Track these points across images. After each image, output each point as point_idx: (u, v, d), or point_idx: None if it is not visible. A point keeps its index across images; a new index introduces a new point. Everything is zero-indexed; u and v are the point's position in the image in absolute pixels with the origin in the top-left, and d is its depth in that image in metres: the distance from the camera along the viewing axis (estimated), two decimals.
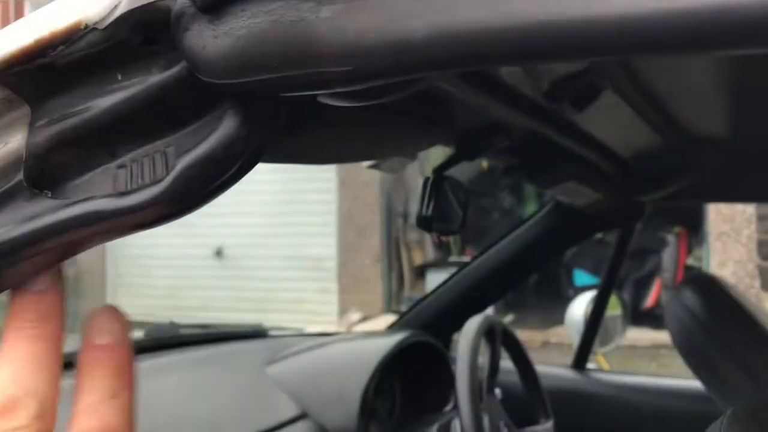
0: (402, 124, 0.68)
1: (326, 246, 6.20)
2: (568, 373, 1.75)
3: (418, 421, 1.45)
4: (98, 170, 0.31)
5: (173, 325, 1.53)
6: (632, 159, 1.30)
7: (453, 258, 6.13)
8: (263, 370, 1.42)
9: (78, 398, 0.29)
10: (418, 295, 5.91)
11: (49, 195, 0.31)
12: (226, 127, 0.29)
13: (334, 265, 6.16)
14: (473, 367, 1.27)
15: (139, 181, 0.30)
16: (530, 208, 6.12)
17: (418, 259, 6.20)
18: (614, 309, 1.89)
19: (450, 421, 1.41)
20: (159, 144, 0.30)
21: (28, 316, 0.30)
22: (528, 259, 1.67)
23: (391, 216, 6.23)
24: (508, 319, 5.81)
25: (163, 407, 1.20)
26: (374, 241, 6.08)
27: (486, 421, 1.31)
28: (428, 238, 6.32)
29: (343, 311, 6.03)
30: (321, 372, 1.42)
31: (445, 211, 0.93)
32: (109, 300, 6.80)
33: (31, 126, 0.31)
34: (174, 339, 1.50)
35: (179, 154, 0.30)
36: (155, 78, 0.29)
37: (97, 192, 0.30)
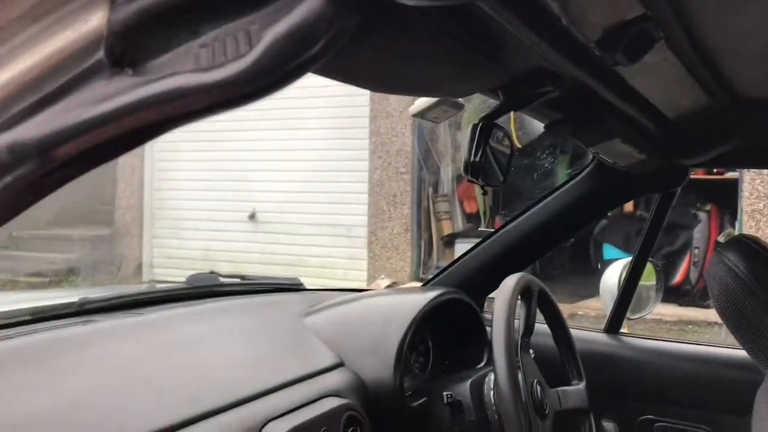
0: (457, 60, 0.68)
1: (357, 213, 6.23)
2: (601, 337, 1.75)
3: (450, 376, 1.47)
4: (180, 49, 0.31)
5: (213, 274, 1.56)
6: (678, 119, 1.28)
7: (482, 228, 6.11)
8: (301, 320, 1.44)
9: None
10: (446, 264, 5.92)
11: (130, 73, 0.31)
12: (311, 4, 0.29)
13: (365, 232, 6.20)
14: (510, 322, 1.28)
15: (222, 58, 0.30)
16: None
17: (448, 229, 6.20)
18: (648, 278, 1.88)
19: (483, 377, 1.42)
20: (242, 22, 0.30)
21: None
22: (567, 220, 1.66)
23: (422, 185, 6.23)
24: None
25: (204, 350, 1.24)
26: (405, 209, 6.09)
27: (520, 378, 1.32)
28: (458, 209, 6.31)
29: (372, 278, 6.07)
30: (358, 323, 1.44)
31: (489, 162, 0.93)
32: (145, 261, 6.92)
33: (113, 3, 0.30)
34: (214, 287, 1.54)
35: (263, 30, 0.29)
36: None
37: (179, 70, 0.30)
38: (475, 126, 0.86)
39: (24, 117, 0.31)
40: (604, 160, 1.41)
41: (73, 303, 1.29)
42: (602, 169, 1.54)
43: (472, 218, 6.27)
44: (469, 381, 1.39)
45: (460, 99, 1.03)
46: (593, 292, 5.81)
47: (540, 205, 1.67)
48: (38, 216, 6.82)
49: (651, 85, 1.09)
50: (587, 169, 1.59)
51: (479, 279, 1.72)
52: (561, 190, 1.64)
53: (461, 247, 5.76)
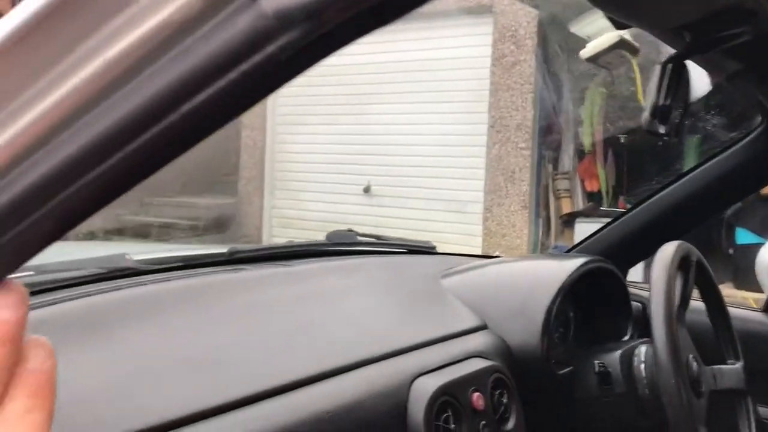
0: None
1: (473, 189, 6.13)
2: (759, 317, 1.62)
3: (596, 347, 1.40)
4: None
5: (352, 232, 1.56)
6: None
7: (604, 208, 5.87)
8: (439, 281, 1.42)
9: None
10: (564, 244, 5.74)
11: None
12: None
13: (480, 208, 6.10)
14: (670, 291, 1.19)
15: None
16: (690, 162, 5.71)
17: (567, 208, 5.99)
18: None
19: (633, 348, 1.34)
20: None
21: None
22: (727, 188, 1.54)
23: (541, 162, 6.05)
24: None
25: (349, 302, 1.23)
26: (523, 186, 5.94)
27: None
28: (579, 187, 6.09)
29: None
30: (501, 287, 1.39)
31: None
32: (265, 230, 7.17)
33: None
34: (352, 244, 1.53)
35: None
36: None
37: None
38: (664, 65, 0.78)
39: None
40: None
41: (223, 252, 1.32)
42: None
43: (593, 197, 6.03)
44: (619, 352, 1.32)
45: (636, 43, 0.95)
46: (722, 278, 5.47)
47: (697, 171, 1.55)
48: (168, 184, 7.18)
49: None
50: (755, 132, 1.45)
51: (624, 249, 1.63)
52: (722, 155, 1.51)
53: (581, 227, 5.56)
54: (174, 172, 7.35)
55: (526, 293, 1.33)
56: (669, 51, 0.88)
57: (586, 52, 1.20)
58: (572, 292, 1.42)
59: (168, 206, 7.05)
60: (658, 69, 0.78)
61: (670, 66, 0.79)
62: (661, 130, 0.81)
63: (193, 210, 7.05)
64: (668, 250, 1.25)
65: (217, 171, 7.30)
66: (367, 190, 6.69)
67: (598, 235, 1.67)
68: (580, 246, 1.69)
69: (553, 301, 1.29)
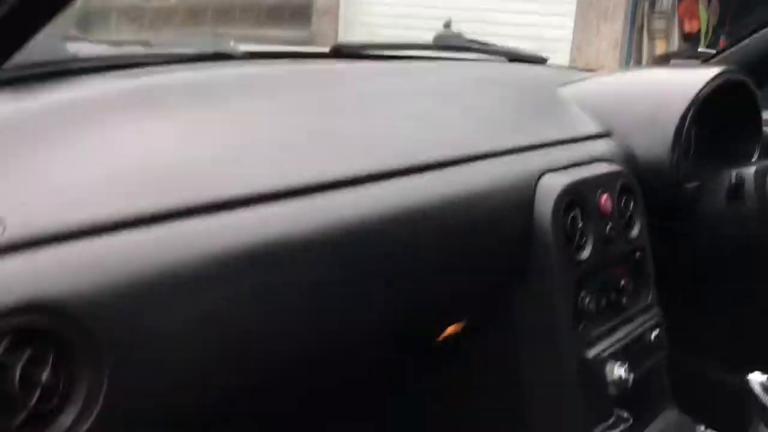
0: None
1: (561, 27, 5.76)
2: None
3: (725, 164, 1.30)
4: None
5: (460, 35, 1.45)
6: None
7: (701, 49, 5.45)
8: (556, 89, 1.31)
9: None
10: None
11: None
12: None
13: (568, 48, 5.75)
14: None
15: None
16: None
17: (661, 49, 5.59)
18: None
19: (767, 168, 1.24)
20: None
21: None
22: None
23: (637, 0, 5.58)
24: None
25: (464, 98, 1.14)
26: (616, 25, 5.53)
27: None
28: (676, 28, 5.65)
29: None
30: (628, 95, 1.29)
31: None
32: None
33: None
34: (462, 48, 1.43)
35: None
36: None
37: None
38: None
39: None
40: None
41: (326, 51, 1.23)
42: None
43: (690, 39, 5.60)
44: (754, 168, 1.22)
45: None
46: None
47: None
48: (244, 16, 7.04)
49: None
50: None
51: (762, 63, 1.47)
52: None
53: None
54: (247, 4, 7.16)
55: (656, 102, 1.22)
56: None
57: None
58: (701, 106, 1.30)
59: (241, 39, 6.96)
60: None
61: None
62: None
63: (266, 43, 6.94)
64: None
65: (291, 3, 7.08)
66: (447, 25, 6.38)
67: (743, 42, 1.49)
68: (721, 55, 1.52)
69: (687, 110, 1.18)
